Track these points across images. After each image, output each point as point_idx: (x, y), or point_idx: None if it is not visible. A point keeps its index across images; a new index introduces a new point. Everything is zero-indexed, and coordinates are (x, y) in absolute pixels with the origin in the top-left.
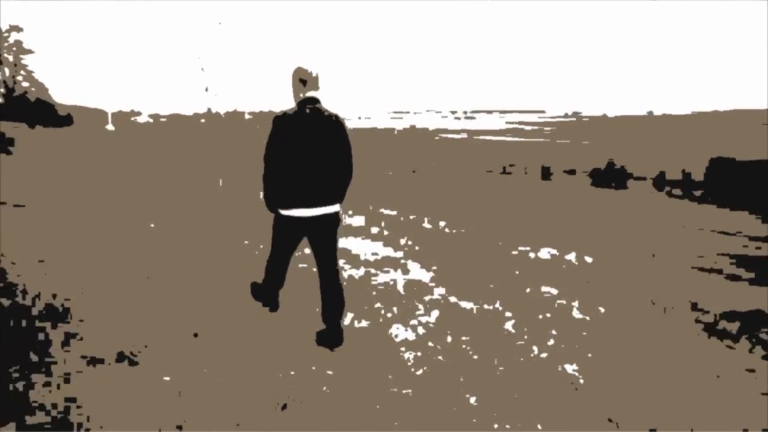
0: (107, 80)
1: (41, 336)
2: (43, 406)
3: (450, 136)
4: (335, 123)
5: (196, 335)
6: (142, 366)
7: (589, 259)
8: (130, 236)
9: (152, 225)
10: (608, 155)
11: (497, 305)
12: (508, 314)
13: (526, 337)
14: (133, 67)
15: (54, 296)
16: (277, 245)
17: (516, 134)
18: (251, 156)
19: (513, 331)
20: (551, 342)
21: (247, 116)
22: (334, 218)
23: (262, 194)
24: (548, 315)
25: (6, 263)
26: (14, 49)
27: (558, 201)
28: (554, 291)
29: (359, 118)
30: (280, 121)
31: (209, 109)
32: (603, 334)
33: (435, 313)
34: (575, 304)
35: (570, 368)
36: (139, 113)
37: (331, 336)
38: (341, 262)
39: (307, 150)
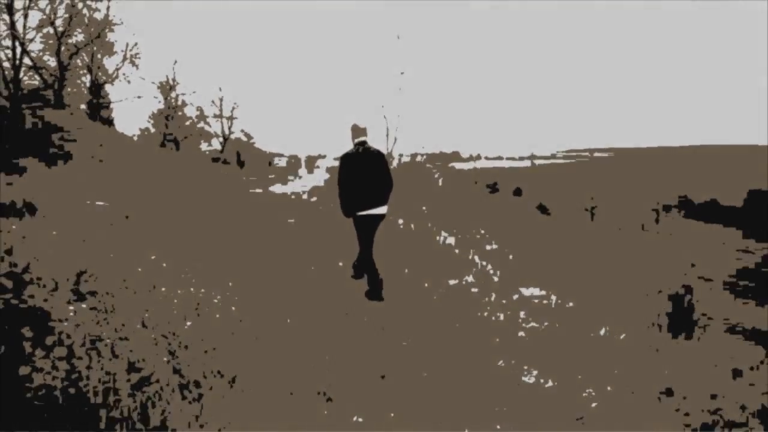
0: (298, 127)
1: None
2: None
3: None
4: (378, 156)
5: (383, 377)
6: (336, 403)
7: None
8: (329, 273)
9: (340, 263)
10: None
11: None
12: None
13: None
14: (319, 113)
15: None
16: (362, 235)
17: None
18: (426, 196)
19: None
20: None
21: (419, 158)
22: (383, 216)
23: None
24: None
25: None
26: (231, 106)
27: None
28: None
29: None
30: (344, 158)
31: (389, 153)
32: None
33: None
34: None
35: None
36: (324, 156)
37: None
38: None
39: (363, 174)
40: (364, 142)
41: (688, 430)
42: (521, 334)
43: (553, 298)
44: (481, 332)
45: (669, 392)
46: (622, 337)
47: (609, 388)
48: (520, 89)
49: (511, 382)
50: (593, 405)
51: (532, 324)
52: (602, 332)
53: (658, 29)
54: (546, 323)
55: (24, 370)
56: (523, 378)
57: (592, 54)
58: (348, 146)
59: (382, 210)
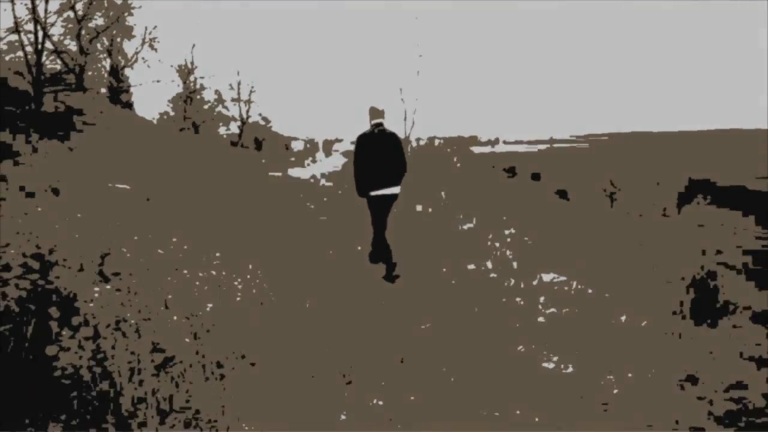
0: (315, 110)
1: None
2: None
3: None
4: (393, 137)
5: (402, 360)
6: (355, 385)
7: None
8: (347, 257)
9: (359, 248)
10: None
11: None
12: None
13: None
14: (336, 97)
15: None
16: (374, 215)
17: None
18: (444, 180)
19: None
20: None
21: (436, 142)
22: (396, 195)
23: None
24: None
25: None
26: (249, 89)
27: None
28: None
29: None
30: (361, 138)
31: (407, 137)
32: None
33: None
34: None
35: None
36: (341, 140)
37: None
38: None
39: (380, 155)
40: (380, 124)
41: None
42: (541, 319)
43: (573, 283)
44: (501, 317)
45: (692, 380)
46: (643, 324)
47: (630, 375)
48: (538, 73)
49: (531, 368)
50: (615, 392)
51: (552, 309)
52: (623, 319)
53: (678, 14)
54: (566, 309)
55: (51, 350)
56: (543, 363)
57: (612, 38)
58: (365, 128)
59: (394, 190)
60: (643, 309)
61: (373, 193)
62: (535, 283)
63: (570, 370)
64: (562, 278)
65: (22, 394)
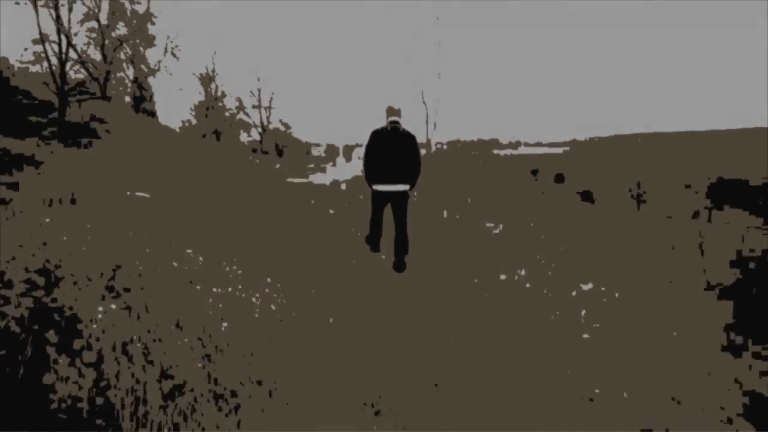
0: (335, 116)
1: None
2: None
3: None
4: (408, 136)
5: (436, 385)
6: (385, 417)
7: None
8: (371, 267)
9: (383, 256)
10: None
11: None
12: None
13: None
14: (356, 103)
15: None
16: (373, 208)
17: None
18: (472, 186)
19: None
20: None
21: (458, 146)
22: (405, 193)
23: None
24: None
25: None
26: (269, 96)
27: None
28: None
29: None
30: (374, 133)
31: (428, 140)
32: None
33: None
34: None
35: None
36: (361, 145)
37: (398, 265)
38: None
39: (389, 151)
40: (396, 122)
41: None
42: (586, 335)
43: (615, 294)
44: (542, 334)
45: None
46: (697, 340)
47: (698, 404)
48: (558, 74)
49: (582, 394)
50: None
51: (596, 324)
52: (675, 334)
53: (701, 15)
54: (612, 324)
55: (48, 379)
56: (597, 390)
57: (633, 38)
58: (380, 124)
59: (400, 187)
60: (694, 323)
61: (376, 188)
62: (573, 294)
63: (626, 395)
64: (602, 288)
65: (17, 427)
